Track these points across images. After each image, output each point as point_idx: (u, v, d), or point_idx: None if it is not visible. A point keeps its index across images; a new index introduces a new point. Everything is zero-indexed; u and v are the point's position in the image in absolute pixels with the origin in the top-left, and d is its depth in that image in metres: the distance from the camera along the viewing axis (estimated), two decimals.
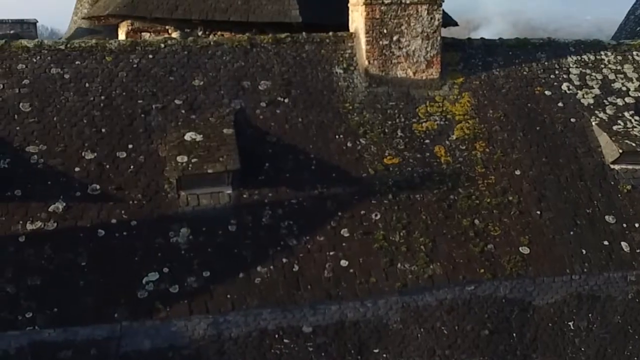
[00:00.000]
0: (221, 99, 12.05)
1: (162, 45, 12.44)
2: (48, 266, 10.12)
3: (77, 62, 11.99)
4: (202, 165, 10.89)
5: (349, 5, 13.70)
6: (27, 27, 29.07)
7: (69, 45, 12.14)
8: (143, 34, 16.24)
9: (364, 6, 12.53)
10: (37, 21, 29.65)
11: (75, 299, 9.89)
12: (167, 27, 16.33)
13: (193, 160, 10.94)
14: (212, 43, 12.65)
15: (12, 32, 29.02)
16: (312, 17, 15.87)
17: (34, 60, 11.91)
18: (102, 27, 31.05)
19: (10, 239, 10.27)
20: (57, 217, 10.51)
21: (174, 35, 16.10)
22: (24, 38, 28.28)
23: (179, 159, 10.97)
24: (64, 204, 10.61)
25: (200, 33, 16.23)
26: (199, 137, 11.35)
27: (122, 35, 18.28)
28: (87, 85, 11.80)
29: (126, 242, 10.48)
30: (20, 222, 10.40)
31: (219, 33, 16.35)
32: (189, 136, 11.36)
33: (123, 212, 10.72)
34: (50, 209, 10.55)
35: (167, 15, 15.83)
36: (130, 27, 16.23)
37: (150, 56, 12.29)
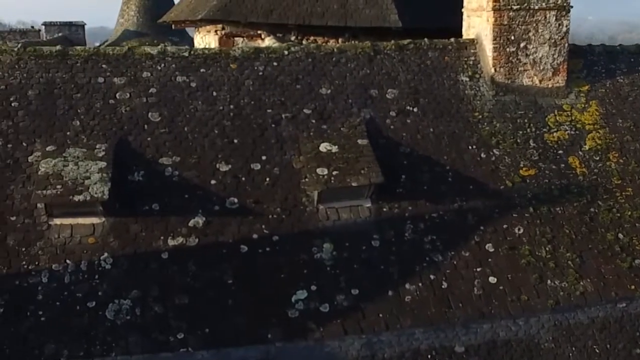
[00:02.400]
0: (350, 108, 11.66)
1: (286, 52, 12.05)
2: (194, 284, 9.72)
3: (202, 70, 11.60)
4: (345, 178, 10.49)
5: (465, 10, 13.34)
6: (75, 29, 28.77)
7: (192, 52, 11.75)
8: (236, 39, 15.83)
9: (492, 12, 12.15)
10: (85, 24, 29.29)
11: (226, 319, 9.48)
12: (259, 31, 15.94)
13: (334, 173, 10.54)
14: (335, 50, 12.27)
15: (60, 34, 28.70)
16: (411, 21, 15.49)
17: (159, 68, 11.52)
18: (149, 30, 30.90)
19: (152, 255, 9.89)
20: (198, 233, 10.11)
21: (267, 40, 15.72)
22: (72, 40, 28.01)
23: (318, 171, 10.57)
24: (204, 219, 10.21)
25: (293, 38, 15.84)
26: (334, 149, 10.95)
27: (201, 39, 17.94)
28: (214, 93, 11.41)
29: (270, 259, 10.08)
30: (161, 237, 10.01)
31: (311, 38, 15.97)
32: (324, 147, 10.96)
33: (263, 226, 10.33)
34: (190, 223, 10.15)
35: (262, 19, 15.44)
36: (222, 32, 15.81)
37: (275, 63, 11.89)
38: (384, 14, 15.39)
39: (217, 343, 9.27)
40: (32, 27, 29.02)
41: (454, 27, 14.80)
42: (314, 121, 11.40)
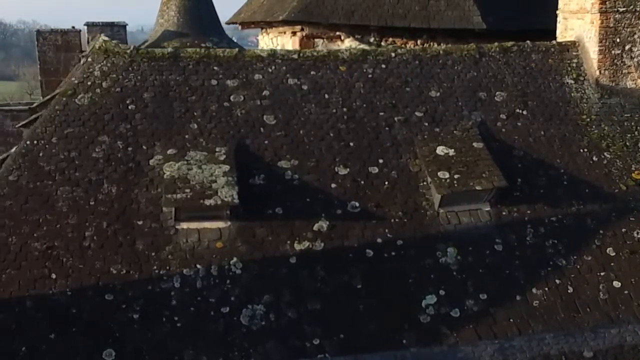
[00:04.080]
0: (460, 111, 11.58)
1: (393, 55, 11.97)
2: (325, 289, 9.64)
3: (312, 72, 11.52)
4: (468, 182, 10.41)
5: (560, 12, 13.25)
6: (117, 30, 28.52)
7: (301, 55, 11.66)
8: (315, 40, 15.74)
9: (597, 14, 12.07)
10: (127, 24, 29.12)
11: (359, 324, 9.40)
12: (338, 33, 15.84)
13: (456, 177, 10.46)
14: (441, 52, 12.18)
15: (101, 34, 28.48)
16: (493, 23, 15.40)
17: (269, 70, 11.43)
18: (189, 30, 30.72)
19: (281, 259, 9.81)
20: (323, 237, 10.03)
21: (347, 41, 15.64)
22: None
23: (440, 174, 10.49)
24: (328, 223, 10.12)
25: (372, 39, 15.75)
26: (451, 152, 10.87)
27: (270, 41, 17.85)
28: (326, 96, 11.32)
29: (396, 263, 10.00)
30: (288, 241, 9.93)
31: (390, 39, 15.90)
32: (440, 150, 10.88)
33: (387, 230, 10.25)
34: (315, 227, 10.07)
35: (344, 21, 15.36)
36: (303, 34, 15.71)
37: (383, 66, 11.81)
38: (466, 15, 15.32)
39: (352, 349, 9.20)
40: (73, 27, 28.74)
41: (538, 28, 14.80)
42: (426, 124, 11.32)
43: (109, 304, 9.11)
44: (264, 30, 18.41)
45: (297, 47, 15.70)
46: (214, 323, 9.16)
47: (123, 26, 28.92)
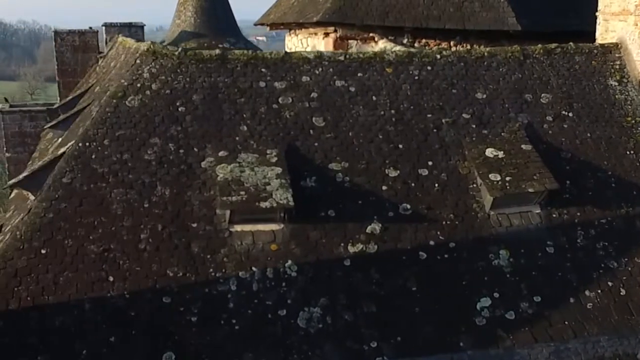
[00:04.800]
0: (507, 112, 11.56)
1: (438, 57, 11.95)
2: (379, 292, 9.62)
3: (359, 74, 11.50)
4: (520, 184, 10.40)
5: (601, 14, 13.24)
6: (135, 30, 28.46)
7: (347, 57, 11.63)
8: (349, 41, 15.72)
9: None
10: (145, 25, 29.09)
11: (415, 327, 9.39)
12: (372, 34, 15.82)
13: (507, 179, 10.45)
14: (486, 54, 12.16)
15: (119, 35, 28.44)
16: (528, 24, 15.39)
17: (317, 72, 11.41)
18: (207, 31, 30.71)
19: (335, 262, 9.79)
20: (376, 239, 10.01)
21: (381, 43, 15.62)
22: None
23: (491, 177, 10.48)
24: (380, 225, 10.11)
25: (405, 41, 15.73)
26: (500, 154, 10.85)
27: (299, 42, 17.82)
28: (374, 98, 11.31)
29: (449, 265, 9.99)
30: (341, 244, 9.91)
31: (423, 40, 15.87)
32: (490, 152, 10.87)
33: (439, 233, 10.23)
34: (368, 230, 10.06)
35: (378, 22, 15.34)
36: (337, 35, 15.69)
37: (429, 68, 11.79)
38: (501, 17, 15.30)
39: (410, 351, 9.20)
40: (90, 27, 28.72)
41: (572, 30, 14.79)
42: (474, 126, 11.30)
43: (167, 306, 9.10)
44: (292, 31, 18.38)
45: (330, 48, 15.69)
46: (272, 326, 9.14)
47: (141, 27, 28.86)
